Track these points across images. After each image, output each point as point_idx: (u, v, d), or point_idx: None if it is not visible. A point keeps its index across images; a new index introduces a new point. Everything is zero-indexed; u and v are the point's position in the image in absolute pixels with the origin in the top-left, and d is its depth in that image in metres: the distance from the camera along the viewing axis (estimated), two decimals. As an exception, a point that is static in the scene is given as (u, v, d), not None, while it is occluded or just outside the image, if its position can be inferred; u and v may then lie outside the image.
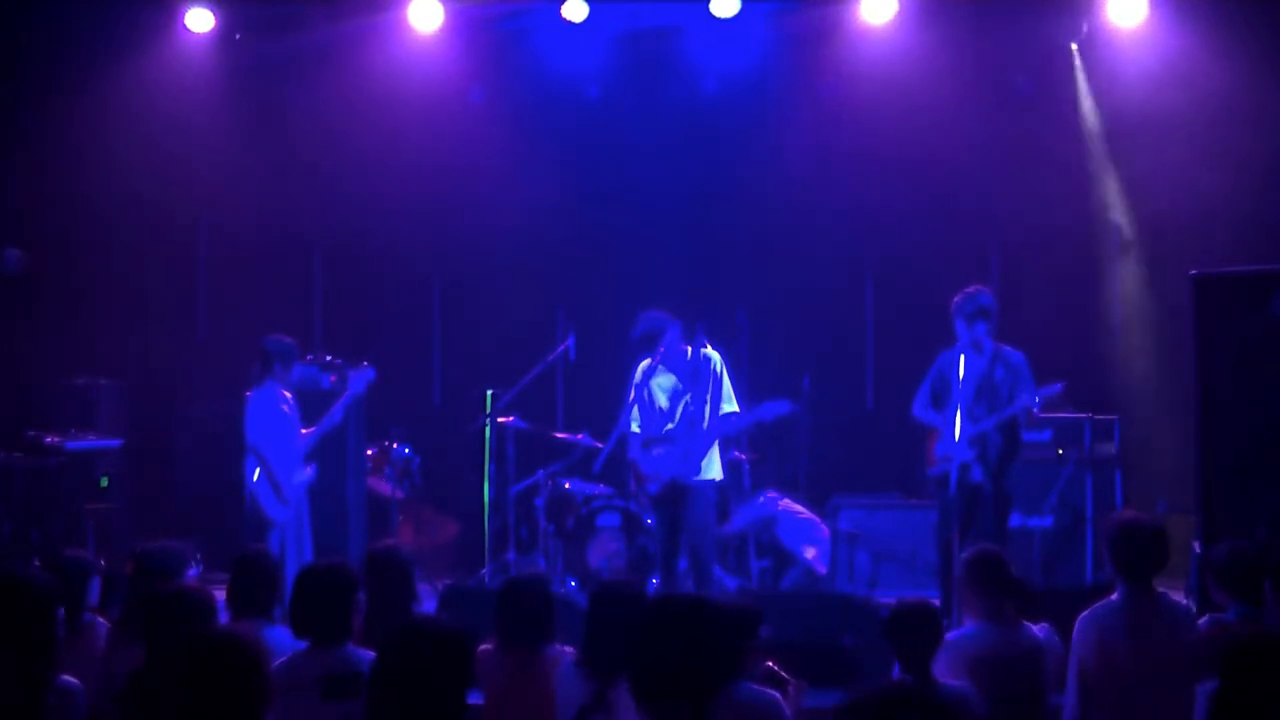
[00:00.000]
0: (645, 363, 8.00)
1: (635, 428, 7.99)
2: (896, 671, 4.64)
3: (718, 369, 7.94)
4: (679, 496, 7.95)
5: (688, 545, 8.16)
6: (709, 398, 7.90)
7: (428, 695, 3.28)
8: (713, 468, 7.97)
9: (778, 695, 4.21)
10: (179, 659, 3.21)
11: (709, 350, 7.97)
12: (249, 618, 4.87)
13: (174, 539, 6.68)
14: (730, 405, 7.94)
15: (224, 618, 4.98)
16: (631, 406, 7.96)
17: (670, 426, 7.95)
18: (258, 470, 8.22)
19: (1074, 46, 10.50)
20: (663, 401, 7.97)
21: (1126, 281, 10.68)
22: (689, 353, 7.95)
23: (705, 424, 7.88)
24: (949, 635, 5.07)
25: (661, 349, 7.86)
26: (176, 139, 10.55)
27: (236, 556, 5.19)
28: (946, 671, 4.74)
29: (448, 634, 3.37)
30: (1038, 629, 5.01)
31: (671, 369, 7.97)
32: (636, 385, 8.01)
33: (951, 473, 7.43)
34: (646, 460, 7.96)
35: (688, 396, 7.92)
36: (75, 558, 5.51)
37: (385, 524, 9.59)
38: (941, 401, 7.78)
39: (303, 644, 4.44)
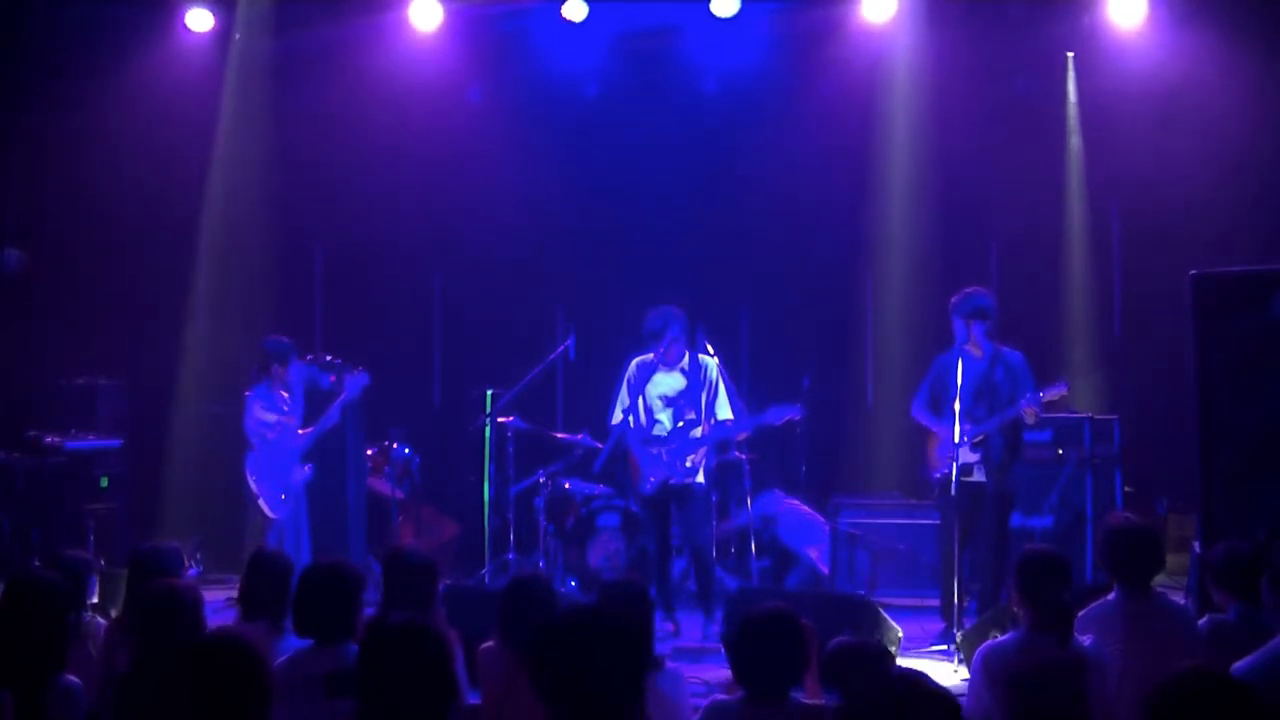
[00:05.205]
0: (641, 359, 8.00)
1: (625, 418, 7.98)
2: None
3: (713, 375, 7.94)
4: (673, 498, 7.95)
5: (688, 546, 8.16)
6: (704, 403, 7.91)
7: (410, 694, 3.28)
8: (700, 472, 7.97)
9: (826, 704, 4.17)
10: (181, 662, 3.21)
11: (706, 356, 7.97)
12: (260, 619, 4.85)
13: (174, 539, 6.69)
14: (725, 411, 7.93)
15: (232, 617, 4.98)
16: (618, 398, 7.98)
17: (664, 429, 7.95)
18: (257, 471, 8.23)
19: (1069, 55, 10.51)
20: (658, 403, 7.98)
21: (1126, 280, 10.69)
22: (687, 357, 7.96)
23: (699, 429, 7.89)
24: (987, 644, 4.69)
25: (662, 348, 7.87)
26: (176, 138, 10.56)
27: (250, 557, 5.17)
28: (983, 682, 4.47)
29: (425, 634, 3.38)
30: (1085, 640, 4.61)
31: (671, 370, 7.97)
32: (631, 382, 8.01)
33: (953, 473, 7.42)
34: (645, 457, 7.97)
35: (684, 400, 7.93)
36: (75, 557, 5.50)
37: (385, 524, 9.58)
38: (940, 403, 7.78)
39: (306, 642, 4.44)
